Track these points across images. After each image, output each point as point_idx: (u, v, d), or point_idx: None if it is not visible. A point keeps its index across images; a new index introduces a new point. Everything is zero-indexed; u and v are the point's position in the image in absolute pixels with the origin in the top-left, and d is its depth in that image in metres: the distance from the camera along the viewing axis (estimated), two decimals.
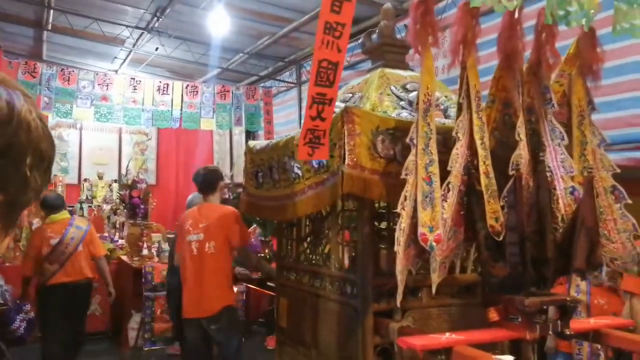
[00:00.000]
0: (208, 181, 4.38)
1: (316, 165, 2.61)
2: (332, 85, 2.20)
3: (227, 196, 8.24)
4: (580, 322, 2.52)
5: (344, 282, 2.71)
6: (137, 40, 8.97)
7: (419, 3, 2.14)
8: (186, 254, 4.28)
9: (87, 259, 5.28)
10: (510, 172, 2.17)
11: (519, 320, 2.18)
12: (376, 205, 2.78)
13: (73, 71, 8.28)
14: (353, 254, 2.80)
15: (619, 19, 2.16)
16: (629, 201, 2.31)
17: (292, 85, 10.18)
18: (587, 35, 2.35)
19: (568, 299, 2.26)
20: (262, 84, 10.57)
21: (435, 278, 2.10)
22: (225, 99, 9.25)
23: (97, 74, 8.50)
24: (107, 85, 8.43)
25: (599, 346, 3.77)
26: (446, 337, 2.09)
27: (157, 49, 9.12)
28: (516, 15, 2.23)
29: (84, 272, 5.22)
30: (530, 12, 2.38)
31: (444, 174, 2.14)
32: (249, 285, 6.51)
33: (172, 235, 6.17)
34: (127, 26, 8.45)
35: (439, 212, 2.07)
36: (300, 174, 2.78)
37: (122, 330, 6.88)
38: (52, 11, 8.00)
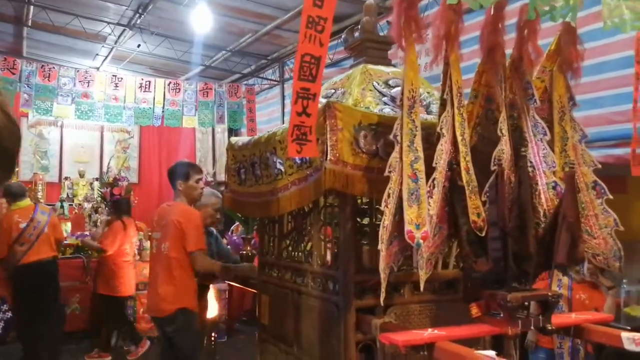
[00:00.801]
0: (169, 178, 4.27)
1: (299, 161, 2.59)
2: (315, 80, 2.18)
3: None
4: (561, 317, 2.53)
5: (326, 278, 2.69)
6: (119, 37, 8.89)
7: None
8: (150, 251, 4.24)
9: (52, 240, 5.88)
10: (493, 168, 2.17)
11: (501, 315, 2.18)
12: (359, 201, 2.76)
13: (53, 68, 8.18)
14: (335, 250, 2.79)
15: (608, 14, 2.16)
16: (610, 197, 2.32)
17: (275, 82, 10.15)
18: (568, 32, 2.36)
19: (550, 294, 2.26)
20: (244, 82, 10.53)
21: (423, 275, 2.09)
22: (207, 96, 9.21)
23: (78, 71, 8.43)
24: (88, 83, 8.36)
25: (579, 341, 3.81)
26: (428, 333, 2.08)
27: (139, 46, 9.04)
28: (499, 10, 2.23)
29: (51, 251, 5.83)
30: (513, 10, 2.38)
31: (429, 171, 2.13)
32: (231, 284, 6.47)
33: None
34: (108, 23, 8.36)
35: (425, 209, 2.06)
36: (283, 170, 2.76)
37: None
38: (32, 7, 7.89)
